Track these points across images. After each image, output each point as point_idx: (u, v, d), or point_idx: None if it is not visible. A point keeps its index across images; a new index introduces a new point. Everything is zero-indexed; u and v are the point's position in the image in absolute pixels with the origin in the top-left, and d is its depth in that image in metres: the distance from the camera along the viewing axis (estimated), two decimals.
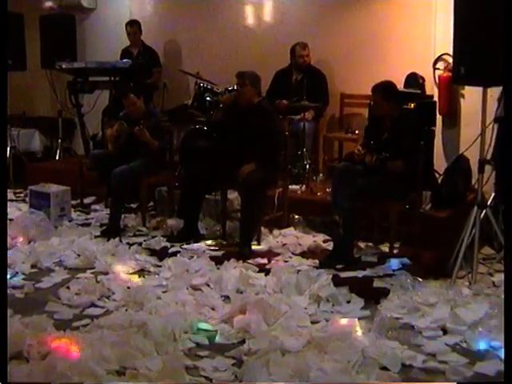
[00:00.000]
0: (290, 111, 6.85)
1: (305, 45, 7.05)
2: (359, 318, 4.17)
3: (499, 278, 4.86)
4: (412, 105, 5.97)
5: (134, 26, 8.05)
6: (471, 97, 6.15)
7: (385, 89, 5.34)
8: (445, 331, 4.03)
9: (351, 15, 7.11)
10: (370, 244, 5.64)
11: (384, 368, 3.54)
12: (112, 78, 7.42)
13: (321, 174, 6.72)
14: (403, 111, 5.53)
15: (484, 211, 4.96)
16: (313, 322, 4.13)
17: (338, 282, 4.68)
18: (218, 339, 3.94)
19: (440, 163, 6.32)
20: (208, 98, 6.89)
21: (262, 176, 5.49)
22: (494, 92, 5.22)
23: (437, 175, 6.05)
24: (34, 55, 8.29)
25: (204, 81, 7.09)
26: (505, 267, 3.63)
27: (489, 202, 5.18)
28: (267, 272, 4.97)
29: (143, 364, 3.50)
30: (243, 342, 3.85)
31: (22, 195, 7.43)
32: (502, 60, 4.22)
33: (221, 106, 6.55)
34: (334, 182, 5.39)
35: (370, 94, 5.46)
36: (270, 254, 5.45)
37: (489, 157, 5.07)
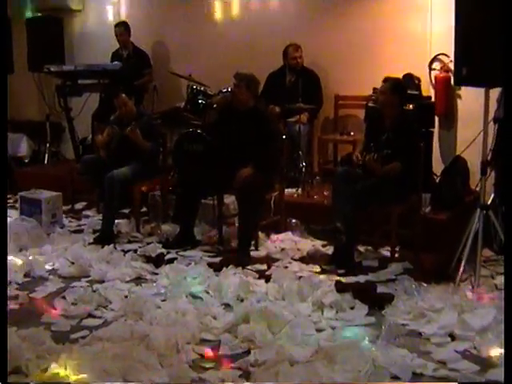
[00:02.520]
0: (285, 114, 6.74)
1: (297, 46, 6.94)
2: (365, 325, 4.11)
3: (501, 280, 4.79)
4: (411, 106, 5.91)
5: (120, 27, 7.93)
6: (468, 97, 6.09)
7: (396, 83, 5.39)
8: (453, 337, 3.95)
9: (345, 15, 7.00)
10: (370, 248, 5.57)
11: (395, 377, 3.46)
12: (101, 81, 7.31)
13: (317, 177, 6.63)
14: (404, 112, 5.47)
15: (485, 212, 4.90)
16: (318, 330, 4.04)
17: (340, 288, 4.60)
18: (221, 350, 3.83)
19: (437, 165, 6.26)
20: (201, 101, 6.77)
21: (260, 180, 5.39)
22: (493, 93, 5.15)
23: (434, 177, 6.00)
24: (21, 58, 8.13)
25: (196, 83, 6.97)
26: (505, 270, 3.57)
27: (488, 203, 5.11)
28: (267, 278, 4.87)
29: (148, 377, 3.40)
30: (248, 352, 3.75)
31: (11, 201, 7.26)
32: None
33: (214, 106, 6.44)
34: (334, 187, 5.30)
35: (367, 94, 5.35)
36: (268, 260, 5.35)
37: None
